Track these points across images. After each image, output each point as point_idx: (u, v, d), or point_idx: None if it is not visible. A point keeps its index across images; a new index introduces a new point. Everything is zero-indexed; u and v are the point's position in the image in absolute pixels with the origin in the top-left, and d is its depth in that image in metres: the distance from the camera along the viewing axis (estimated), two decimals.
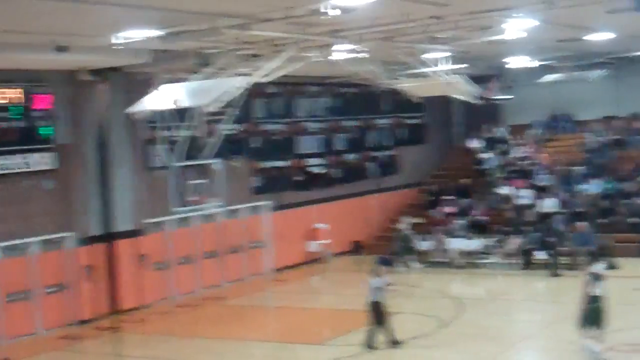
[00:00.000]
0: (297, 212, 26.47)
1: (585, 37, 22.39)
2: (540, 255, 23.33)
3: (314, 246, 26.77)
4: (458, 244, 25.35)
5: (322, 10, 12.03)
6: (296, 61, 17.56)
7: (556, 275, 22.41)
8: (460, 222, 26.80)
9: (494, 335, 16.32)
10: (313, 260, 26.59)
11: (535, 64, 27.47)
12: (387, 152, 31.11)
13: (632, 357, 13.68)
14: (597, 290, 13.72)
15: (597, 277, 13.94)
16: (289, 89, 26.50)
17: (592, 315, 13.65)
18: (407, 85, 20.93)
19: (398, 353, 15.22)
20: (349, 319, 18.08)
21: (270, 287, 23.40)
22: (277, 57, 16.50)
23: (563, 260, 22.90)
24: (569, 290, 17.95)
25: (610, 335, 14.91)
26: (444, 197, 29.09)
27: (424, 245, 25.92)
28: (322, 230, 26.88)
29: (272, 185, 25.70)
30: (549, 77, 29.65)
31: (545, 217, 25.53)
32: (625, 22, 19.17)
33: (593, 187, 26.88)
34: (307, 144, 27.59)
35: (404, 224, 26.16)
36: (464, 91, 20.28)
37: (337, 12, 12.08)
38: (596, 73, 29.22)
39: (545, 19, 17.04)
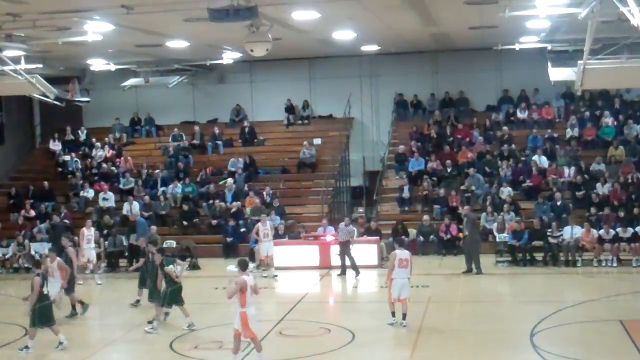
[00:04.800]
0: None
1: (164, 44, 23.24)
2: None
3: None
4: (41, 248, 24.58)
5: None
6: None
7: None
8: (42, 225, 26.01)
9: (78, 341, 16.14)
10: None
11: (114, 67, 27.72)
12: None
13: (216, 354, 14.42)
14: (45, 289, 14.80)
15: (45, 277, 15.05)
16: None
17: (43, 312, 14.68)
18: None
19: None
20: None
21: None
22: None
23: None
24: None
25: (195, 333, 15.79)
26: (24, 201, 27.98)
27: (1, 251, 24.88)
28: None
29: None
30: (131, 81, 30.13)
31: (130, 219, 25.91)
32: (200, 31, 20.34)
33: (175, 190, 27.90)
34: None
35: None
36: (44, 91, 19.74)
37: None
38: (175, 79, 30.42)
39: (124, 23, 17.38)
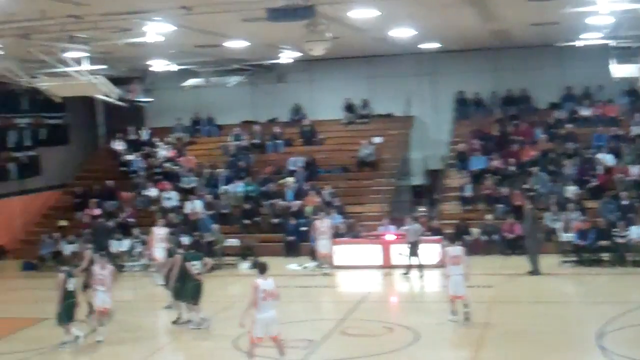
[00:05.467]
0: None
1: (223, 44, 23.35)
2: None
3: None
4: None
5: None
6: None
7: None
8: (107, 224, 26.43)
9: (143, 336, 16.34)
10: None
11: (175, 67, 28.01)
12: (28, 153, 29.81)
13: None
14: (71, 286, 15.08)
15: (70, 274, 15.25)
16: None
17: (67, 310, 14.96)
18: (48, 85, 20.12)
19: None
20: None
21: None
22: None
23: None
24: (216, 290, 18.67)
25: None
26: (90, 199, 28.48)
27: (69, 248, 25.20)
28: None
29: None
30: (191, 82, 30.40)
31: (191, 218, 26.13)
32: (259, 31, 20.36)
33: (236, 189, 28.04)
34: None
35: None
36: (106, 92, 20.02)
37: None
38: (235, 79, 30.56)
39: (184, 24, 17.50)
